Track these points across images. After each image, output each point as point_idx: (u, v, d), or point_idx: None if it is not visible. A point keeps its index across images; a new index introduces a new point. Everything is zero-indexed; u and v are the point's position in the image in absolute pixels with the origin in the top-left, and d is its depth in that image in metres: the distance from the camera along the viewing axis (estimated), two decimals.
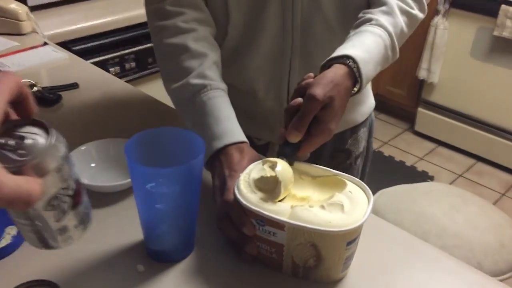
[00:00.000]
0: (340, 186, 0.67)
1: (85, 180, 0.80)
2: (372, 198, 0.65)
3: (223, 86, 0.81)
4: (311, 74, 0.72)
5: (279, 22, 0.85)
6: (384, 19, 0.79)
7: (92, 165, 0.85)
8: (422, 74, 2.73)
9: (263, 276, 0.67)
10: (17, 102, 0.44)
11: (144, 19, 1.85)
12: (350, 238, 0.62)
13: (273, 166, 0.66)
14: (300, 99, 0.69)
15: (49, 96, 1.09)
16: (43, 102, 1.08)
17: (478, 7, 2.43)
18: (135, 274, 0.66)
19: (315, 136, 0.68)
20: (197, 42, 0.81)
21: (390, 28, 0.79)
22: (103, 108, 1.10)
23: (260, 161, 0.68)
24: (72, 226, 0.49)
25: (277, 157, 0.68)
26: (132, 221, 0.71)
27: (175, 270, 0.67)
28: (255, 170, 0.67)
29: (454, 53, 2.61)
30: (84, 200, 0.50)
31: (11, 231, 0.72)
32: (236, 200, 0.65)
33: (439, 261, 0.71)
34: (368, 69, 0.74)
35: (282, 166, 0.66)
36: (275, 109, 0.93)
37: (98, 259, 0.67)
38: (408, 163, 2.72)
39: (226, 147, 0.73)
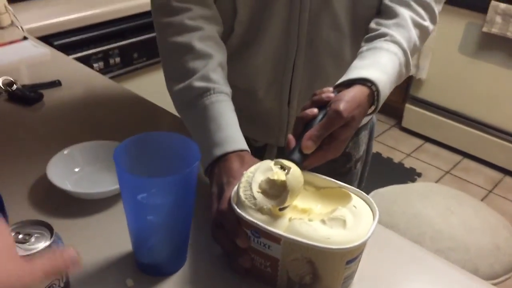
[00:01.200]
0: (344, 199, 0.63)
1: (68, 186, 0.75)
2: (377, 215, 0.61)
3: (227, 90, 0.78)
4: (330, 89, 0.70)
5: (286, 18, 0.82)
6: (398, 35, 0.77)
7: (76, 169, 0.80)
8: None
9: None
10: None
11: (129, 12, 1.81)
12: (350, 256, 0.58)
13: (284, 169, 0.62)
14: (316, 110, 0.67)
15: (30, 95, 1.04)
16: (23, 101, 1.03)
17: (467, 3, 2.42)
18: None
19: (326, 151, 0.67)
20: (202, 41, 0.78)
21: (405, 45, 0.77)
22: (87, 107, 1.05)
23: (269, 161, 0.64)
24: None
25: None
26: (120, 231, 0.67)
27: (167, 284, 0.64)
28: (262, 169, 0.63)
29: (442, 49, 2.60)
30: None
31: None
32: (230, 209, 0.61)
33: (437, 269, 0.69)
34: (386, 91, 0.74)
35: (294, 172, 0.62)
36: (275, 110, 0.90)
37: (83, 273, 0.63)
38: (396, 160, 2.71)
39: (226, 154, 0.71)
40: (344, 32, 0.85)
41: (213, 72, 0.76)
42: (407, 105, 2.86)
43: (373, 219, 0.61)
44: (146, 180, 0.57)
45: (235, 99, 0.79)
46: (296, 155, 0.66)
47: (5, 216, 0.70)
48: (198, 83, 0.75)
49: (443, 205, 1.28)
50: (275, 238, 0.59)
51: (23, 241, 0.51)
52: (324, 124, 0.66)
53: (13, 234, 0.52)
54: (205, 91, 0.75)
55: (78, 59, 1.53)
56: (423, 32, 0.82)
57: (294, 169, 0.62)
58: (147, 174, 0.59)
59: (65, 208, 0.74)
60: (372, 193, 1.28)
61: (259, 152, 0.94)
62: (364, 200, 0.64)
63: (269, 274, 0.63)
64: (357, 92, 0.69)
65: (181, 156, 0.61)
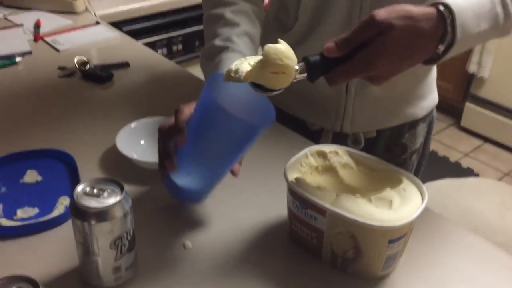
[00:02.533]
0: (395, 182, 0.66)
1: (134, 156, 0.82)
2: (426, 200, 0.63)
3: (248, 53, 0.80)
4: None
5: (348, 5, 0.84)
6: None
7: (142, 142, 0.87)
8: (472, 68, 2.65)
9: (304, 265, 0.68)
10: None
11: (193, 2, 1.88)
12: (392, 236, 0.61)
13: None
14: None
15: (101, 74, 1.12)
16: (95, 79, 1.12)
17: None
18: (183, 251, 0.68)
19: (352, 62, 0.57)
20: (234, 13, 0.84)
21: None
22: (152, 87, 1.12)
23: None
24: (124, 267, 0.61)
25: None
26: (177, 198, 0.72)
27: (223, 245, 0.69)
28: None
29: (507, 47, 2.51)
30: (136, 247, 0.62)
31: (64, 201, 0.75)
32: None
33: (492, 256, 0.70)
34: (466, 19, 0.60)
35: (283, 47, 0.57)
36: (332, 94, 0.93)
37: (146, 234, 0.68)
38: (452, 159, 2.65)
39: None
40: None
41: (237, 37, 0.81)
42: (467, 104, 2.79)
43: (422, 203, 0.63)
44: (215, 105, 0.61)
45: (293, 84, 0.82)
46: (317, 59, 0.59)
47: (77, 178, 0.77)
48: (219, 43, 0.80)
49: (499, 201, 1.26)
50: (321, 210, 0.62)
51: (97, 195, 0.57)
52: (354, 29, 0.58)
53: (88, 188, 0.58)
54: (224, 49, 0.79)
55: (144, 45, 1.61)
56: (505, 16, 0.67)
57: (286, 46, 0.57)
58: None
59: (131, 176, 0.80)
60: (426, 184, 1.25)
61: (316, 135, 0.97)
62: (415, 185, 0.66)
63: (314, 246, 0.67)
64: (412, 7, 0.58)
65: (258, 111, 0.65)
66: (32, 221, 0.71)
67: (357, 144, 0.97)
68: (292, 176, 0.67)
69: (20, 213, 0.72)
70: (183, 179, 0.68)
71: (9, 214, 0.72)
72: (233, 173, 0.70)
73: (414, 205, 0.62)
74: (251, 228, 0.72)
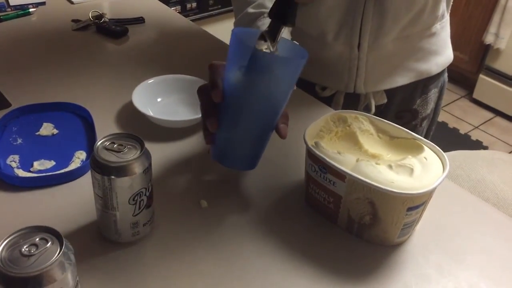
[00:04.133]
0: (416, 150, 0.65)
1: (150, 113, 0.81)
2: (447, 169, 0.63)
3: None
4: None
5: None
6: None
7: (158, 99, 0.86)
8: (488, 38, 2.59)
9: (321, 228, 0.68)
10: None
11: None
12: (411, 204, 0.60)
13: None
14: None
15: (116, 29, 1.10)
16: (110, 34, 1.10)
17: None
18: (199, 209, 0.68)
19: None
20: None
21: None
22: (168, 44, 1.10)
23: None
24: (142, 223, 0.61)
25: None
26: (196, 158, 0.72)
27: (238, 206, 0.69)
28: None
29: None
30: (154, 203, 0.62)
31: (80, 155, 0.74)
32: (221, 66, 0.65)
33: (505, 225, 0.70)
34: None
35: None
36: (344, 55, 0.91)
37: (162, 191, 0.68)
38: (462, 131, 2.64)
39: None
40: None
41: (269, 1, 0.79)
42: (481, 76, 2.75)
43: (443, 172, 0.62)
44: (246, 47, 0.60)
45: (303, 45, 0.80)
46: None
47: (94, 133, 0.77)
48: (252, 10, 0.79)
49: (510, 173, 1.25)
50: (341, 175, 0.62)
51: (117, 150, 0.57)
52: None
53: (108, 143, 0.58)
54: (258, 16, 0.78)
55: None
56: None
57: None
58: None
59: (146, 132, 0.80)
60: None
61: (326, 102, 0.96)
62: (437, 154, 0.65)
63: (331, 210, 0.67)
64: None
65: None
66: (50, 173, 0.71)
67: (367, 111, 0.96)
68: (311, 140, 0.66)
69: (36, 165, 0.72)
70: (229, 143, 0.66)
71: (26, 166, 0.72)
72: (280, 133, 0.66)
73: (434, 174, 0.62)
74: (267, 189, 0.72)
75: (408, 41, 0.92)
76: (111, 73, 0.97)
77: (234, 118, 0.65)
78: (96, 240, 0.62)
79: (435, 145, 0.66)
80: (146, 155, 0.58)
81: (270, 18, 0.63)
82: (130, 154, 0.57)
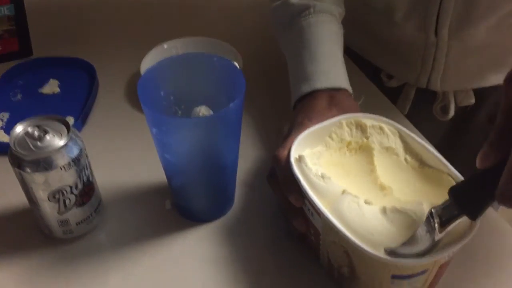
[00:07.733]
0: (440, 193, 0.44)
1: None
2: (473, 233, 0.41)
3: (334, 9, 0.63)
4: None
5: None
6: None
7: None
8: None
9: (303, 256, 0.53)
10: None
11: None
12: (396, 271, 0.42)
13: None
14: None
15: None
16: None
17: None
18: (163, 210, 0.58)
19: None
20: None
21: None
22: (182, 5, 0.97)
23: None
24: (74, 222, 0.52)
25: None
26: None
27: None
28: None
29: None
30: (92, 201, 0.53)
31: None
32: (288, 158, 0.49)
33: None
34: None
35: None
36: (416, 40, 0.70)
37: (118, 193, 0.59)
38: None
39: (315, 92, 0.57)
40: None
41: None
42: None
43: (462, 239, 0.41)
44: (155, 115, 0.47)
45: (367, 21, 0.64)
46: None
47: (93, 100, 0.69)
48: (295, 0, 0.62)
49: None
50: (317, 209, 0.46)
51: (37, 138, 0.48)
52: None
53: (30, 128, 0.49)
54: (304, 9, 0.61)
55: None
56: None
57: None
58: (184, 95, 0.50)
59: None
60: None
61: (393, 94, 0.75)
62: None
63: (314, 244, 0.51)
64: None
65: (230, 85, 0.50)
66: None
67: (445, 114, 0.74)
68: (299, 150, 0.50)
69: None
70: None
71: (11, 127, 0.67)
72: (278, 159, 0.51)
73: (450, 236, 0.41)
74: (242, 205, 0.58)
75: (510, 30, 0.67)
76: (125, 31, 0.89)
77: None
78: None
79: None
80: (71, 146, 0.48)
81: (450, 196, 0.40)
82: (50, 144, 0.47)
